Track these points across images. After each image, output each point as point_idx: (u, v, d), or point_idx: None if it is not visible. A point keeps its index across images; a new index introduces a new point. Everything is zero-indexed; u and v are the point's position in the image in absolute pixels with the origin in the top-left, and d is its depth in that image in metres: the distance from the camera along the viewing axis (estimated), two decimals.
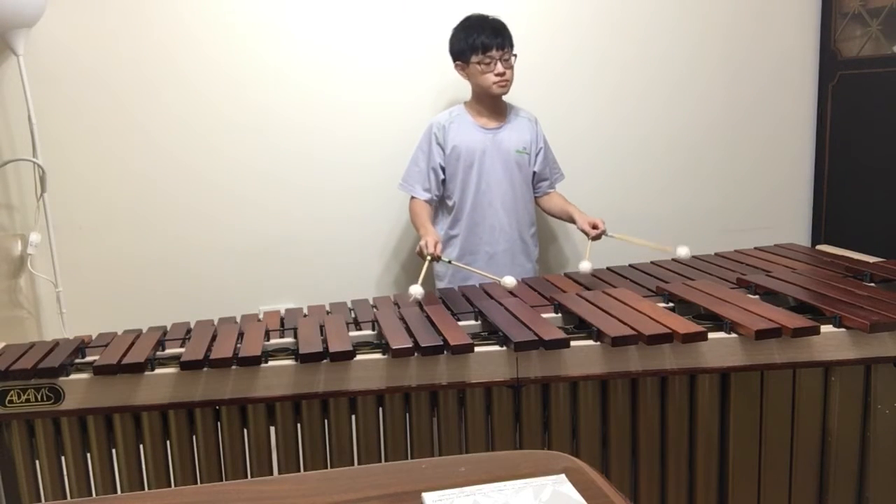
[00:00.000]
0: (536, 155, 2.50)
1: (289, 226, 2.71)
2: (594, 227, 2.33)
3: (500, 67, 2.32)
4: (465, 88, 2.43)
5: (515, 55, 2.37)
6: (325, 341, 1.67)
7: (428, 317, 1.78)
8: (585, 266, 2.14)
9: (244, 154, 2.65)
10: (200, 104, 2.59)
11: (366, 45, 2.66)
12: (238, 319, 1.94)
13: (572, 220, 2.44)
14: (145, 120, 2.57)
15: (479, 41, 2.31)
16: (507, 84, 2.36)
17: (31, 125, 2.40)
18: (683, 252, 2.19)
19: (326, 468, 1.65)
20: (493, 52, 2.30)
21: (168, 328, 1.89)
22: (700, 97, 2.91)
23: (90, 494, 1.63)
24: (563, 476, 0.90)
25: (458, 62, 2.39)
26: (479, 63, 2.33)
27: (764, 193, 3.02)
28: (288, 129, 2.66)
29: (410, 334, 1.66)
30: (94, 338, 1.82)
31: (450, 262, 2.29)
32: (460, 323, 1.77)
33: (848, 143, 2.89)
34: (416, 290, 1.95)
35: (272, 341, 1.74)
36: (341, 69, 2.65)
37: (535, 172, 2.51)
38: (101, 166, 2.57)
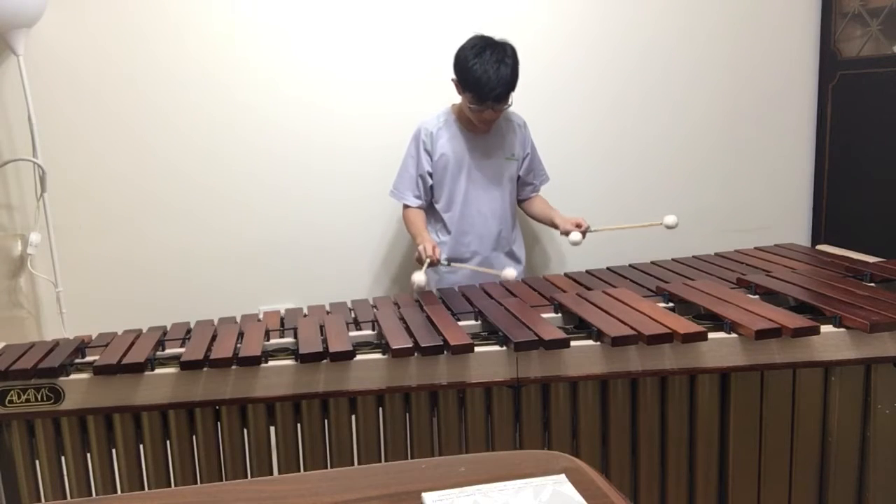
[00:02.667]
0: (523, 160, 2.48)
1: (289, 226, 2.71)
2: (577, 225, 2.33)
3: (489, 115, 2.27)
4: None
5: (511, 102, 2.27)
6: (325, 341, 1.67)
7: (428, 317, 1.78)
8: (576, 237, 2.20)
9: (245, 154, 2.65)
10: (200, 103, 2.59)
11: (362, 52, 2.66)
12: (238, 319, 1.94)
13: (554, 225, 2.44)
14: (145, 120, 2.57)
15: (479, 88, 2.19)
16: (490, 125, 2.34)
17: (31, 125, 2.40)
18: (671, 220, 2.17)
19: (326, 468, 1.65)
20: (488, 103, 2.22)
21: (168, 328, 1.89)
22: (700, 97, 2.91)
23: (90, 494, 1.63)
24: (563, 476, 0.90)
25: (455, 78, 2.28)
26: (469, 102, 2.25)
27: (764, 193, 3.02)
28: (287, 128, 2.65)
29: (410, 334, 1.66)
30: (94, 338, 1.82)
31: (448, 263, 2.29)
32: (460, 323, 1.77)
33: (848, 143, 2.89)
34: (419, 278, 2.00)
35: (272, 341, 1.74)
36: (339, 73, 2.65)
37: (519, 177, 2.49)
38: (101, 166, 2.57)
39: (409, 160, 2.43)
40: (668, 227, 2.20)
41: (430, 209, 2.48)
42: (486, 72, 2.17)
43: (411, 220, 2.41)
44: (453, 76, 2.29)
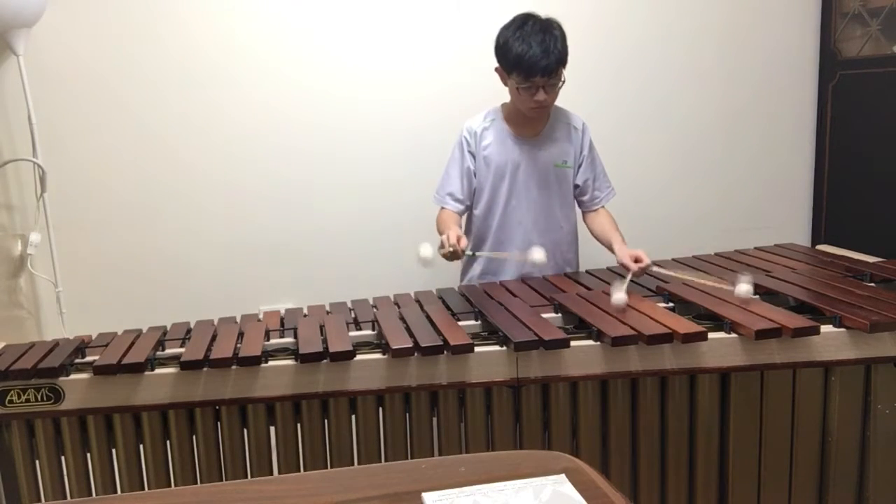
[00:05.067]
0: (579, 166, 2.22)
1: (289, 226, 2.71)
2: (636, 260, 1.97)
3: (541, 95, 2.01)
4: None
5: (564, 79, 2.04)
6: (325, 341, 1.67)
7: (428, 317, 1.78)
8: (619, 298, 1.75)
9: (244, 155, 2.64)
10: (200, 105, 2.59)
11: (369, 44, 2.65)
12: (238, 319, 1.94)
13: (612, 250, 2.11)
14: (145, 120, 2.57)
15: (524, 61, 1.96)
16: (544, 111, 2.09)
17: (31, 125, 2.40)
18: (744, 289, 1.76)
19: (326, 468, 1.65)
20: (538, 79, 1.99)
21: (168, 328, 1.89)
22: (700, 97, 2.91)
23: (90, 494, 1.63)
24: (563, 476, 0.90)
25: (498, 66, 2.08)
26: (518, 85, 2.02)
27: (764, 193, 3.02)
28: (288, 129, 2.65)
29: (410, 334, 1.66)
30: (94, 338, 1.82)
31: (473, 254, 2.05)
32: (460, 323, 1.77)
33: (848, 143, 2.89)
34: (426, 251, 1.77)
35: (272, 341, 1.74)
36: (343, 69, 2.65)
37: (577, 186, 2.24)
38: (101, 166, 2.57)
39: (452, 162, 2.22)
40: (740, 295, 1.75)
41: (466, 225, 2.28)
42: (529, 43, 1.95)
43: (442, 219, 2.18)
44: (496, 65, 2.08)
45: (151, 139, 2.58)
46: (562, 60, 2.00)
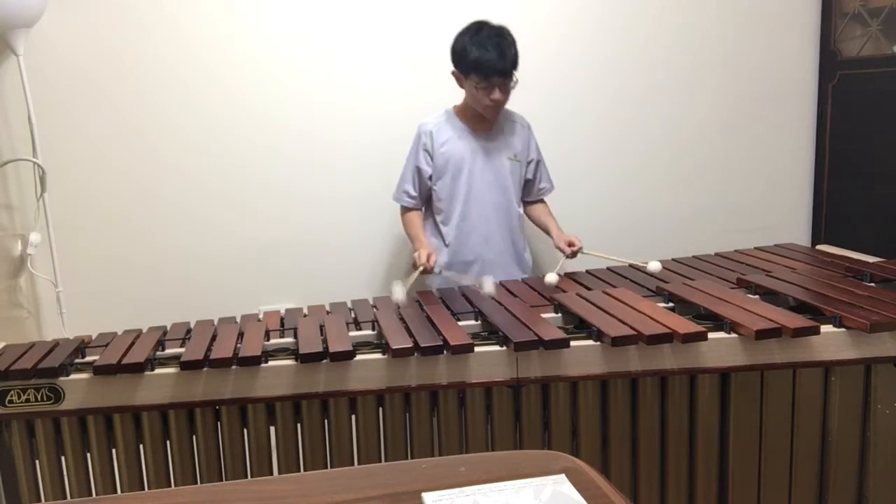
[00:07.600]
0: (528, 164, 2.42)
1: (289, 225, 2.71)
2: (570, 244, 2.29)
3: (497, 94, 2.19)
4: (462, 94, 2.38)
5: (516, 80, 2.22)
6: (325, 341, 1.67)
7: (428, 317, 1.78)
8: (551, 278, 2.09)
9: (244, 154, 2.64)
10: (200, 103, 2.59)
11: (362, 50, 2.66)
12: (238, 319, 1.94)
13: (549, 234, 2.41)
14: (145, 120, 2.57)
15: (483, 63, 2.15)
16: (499, 108, 2.27)
17: (31, 125, 2.40)
18: (654, 267, 2.10)
19: (326, 468, 1.65)
20: (494, 79, 2.17)
21: (168, 328, 1.89)
22: (700, 97, 2.91)
23: (90, 494, 1.63)
24: (563, 476, 0.90)
25: (455, 70, 2.26)
26: (475, 85, 2.20)
27: (764, 193, 3.02)
28: (288, 128, 2.65)
29: (410, 334, 1.66)
30: (94, 338, 1.82)
31: (440, 272, 2.28)
32: (460, 323, 1.77)
33: (848, 143, 2.89)
34: (398, 292, 1.93)
35: (272, 341, 1.74)
36: (341, 71, 2.65)
37: (528, 180, 2.45)
38: (102, 166, 2.57)
39: (409, 159, 2.39)
40: (651, 274, 2.11)
41: (431, 210, 2.44)
42: (486, 47, 2.14)
43: (407, 223, 2.41)
44: (453, 69, 2.25)
45: (151, 139, 2.58)
46: (515, 63, 2.19)
